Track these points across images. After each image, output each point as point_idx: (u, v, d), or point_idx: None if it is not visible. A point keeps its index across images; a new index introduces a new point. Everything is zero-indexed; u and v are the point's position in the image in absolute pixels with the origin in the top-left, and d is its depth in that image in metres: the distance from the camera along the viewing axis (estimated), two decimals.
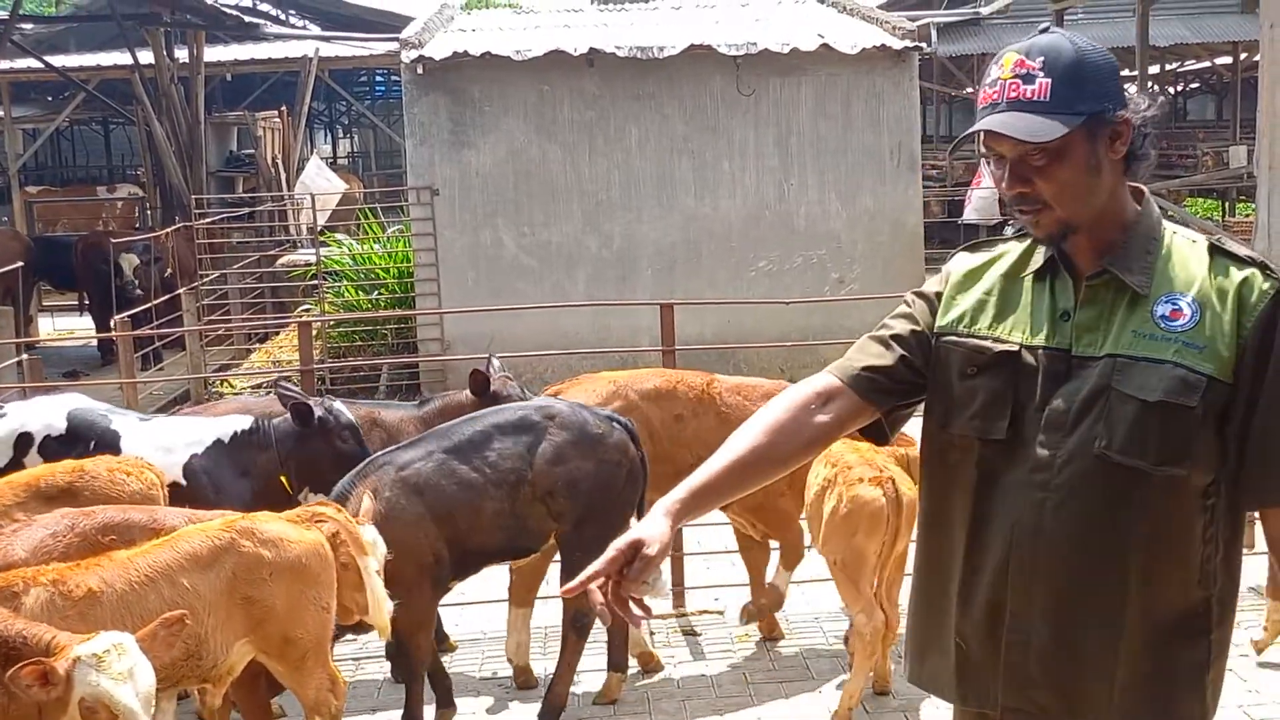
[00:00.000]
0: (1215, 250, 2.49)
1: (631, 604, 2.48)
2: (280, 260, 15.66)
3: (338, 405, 6.06)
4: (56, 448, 5.97)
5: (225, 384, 11.71)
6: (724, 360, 9.96)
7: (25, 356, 9.25)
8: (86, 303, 16.90)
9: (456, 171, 12.59)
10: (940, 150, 26.20)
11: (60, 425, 6.07)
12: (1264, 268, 2.46)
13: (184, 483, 5.92)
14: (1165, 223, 2.56)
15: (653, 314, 7.81)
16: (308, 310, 13.35)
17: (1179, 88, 35.23)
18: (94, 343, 15.37)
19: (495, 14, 18.35)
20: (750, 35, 12.89)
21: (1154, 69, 26.88)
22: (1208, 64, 29.93)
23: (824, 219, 12.81)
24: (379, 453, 5.58)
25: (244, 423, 6.07)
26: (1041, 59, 2.44)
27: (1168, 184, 17.80)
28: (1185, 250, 2.50)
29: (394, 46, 13.59)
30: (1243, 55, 25.27)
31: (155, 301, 13.37)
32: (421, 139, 12.64)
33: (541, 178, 12.66)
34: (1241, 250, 2.51)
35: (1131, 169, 2.52)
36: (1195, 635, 2.51)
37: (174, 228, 16.11)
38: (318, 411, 5.91)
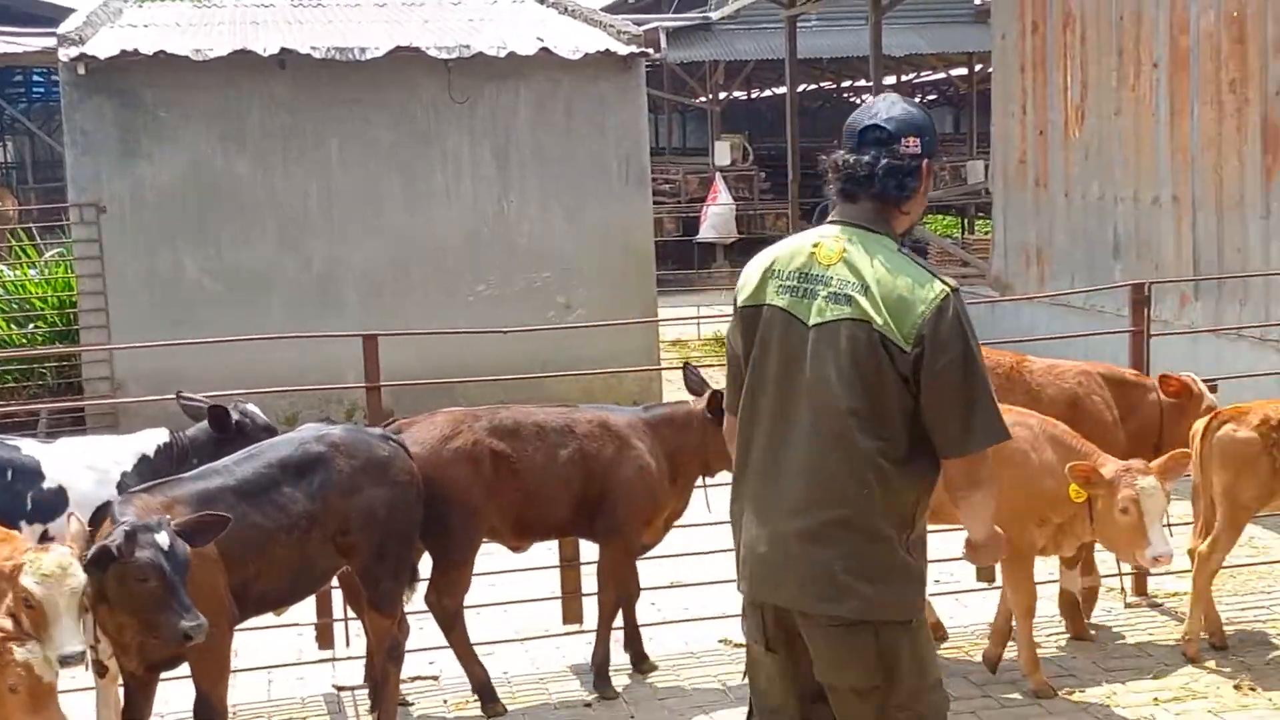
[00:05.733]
0: None
1: None
2: None
3: (251, 408, 6.55)
4: None
5: None
6: (438, 395, 9.80)
7: None
8: None
9: (127, 186, 12.22)
10: (672, 163, 26.78)
11: None
12: None
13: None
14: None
15: (360, 344, 7.62)
16: None
17: (917, 100, 37.23)
18: None
19: (172, 8, 17.70)
20: (463, 37, 12.94)
21: (890, 79, 28.24)
22: (944, 75, 31.66)
23: (548, 237, 12.94)
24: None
25: (162, 436, 6.43)
26: None
27: None
28: None
29: (51, 43, 13.13)
30: (977, 66, 26.85)
31: None
32: (85, 149, 12.22)
33: (228, 192, 12.42)
34: None
35: None
36: None
37: None
38: (234, 415, 6.40)
